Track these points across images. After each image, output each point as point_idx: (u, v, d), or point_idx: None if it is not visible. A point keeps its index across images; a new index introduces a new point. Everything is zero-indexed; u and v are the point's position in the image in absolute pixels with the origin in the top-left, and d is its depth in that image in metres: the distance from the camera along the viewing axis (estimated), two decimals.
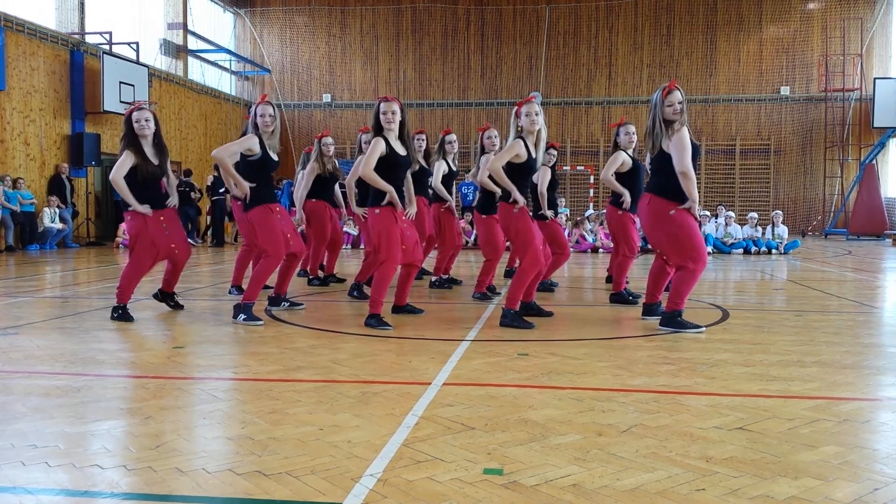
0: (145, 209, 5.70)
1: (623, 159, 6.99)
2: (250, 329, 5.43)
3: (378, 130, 5.47)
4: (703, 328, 5.31)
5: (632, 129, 7.09)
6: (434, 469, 2.54)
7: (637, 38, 23.88)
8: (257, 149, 5.66)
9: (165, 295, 6.31)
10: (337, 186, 8.19)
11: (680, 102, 5.18)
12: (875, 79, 22.17)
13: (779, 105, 23.48)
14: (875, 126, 21.92)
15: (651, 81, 23.76)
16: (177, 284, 6.36)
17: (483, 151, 7.33)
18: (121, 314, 5.74)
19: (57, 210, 15.04)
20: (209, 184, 17.81)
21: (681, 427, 3.03)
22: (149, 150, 5.75)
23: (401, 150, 5.54)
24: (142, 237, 5.76)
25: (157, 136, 5.81)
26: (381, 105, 5.47)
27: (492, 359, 4.36)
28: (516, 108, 5.53)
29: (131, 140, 5.70)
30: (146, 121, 5.71)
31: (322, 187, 7.94)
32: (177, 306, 6.32)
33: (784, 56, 23.39)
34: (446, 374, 3.96)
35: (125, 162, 5.67)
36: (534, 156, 5.54)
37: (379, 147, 5.40)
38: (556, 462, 2.62)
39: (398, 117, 5.47)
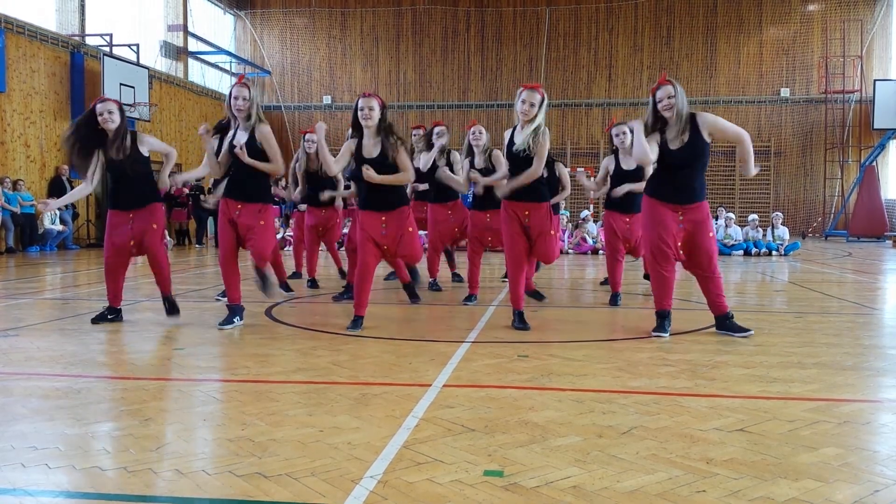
0: (52, 201, 5.73)
1: (605, 165, 7.17)
2: (250, 331, 5.42)
3: (356, 127, 5.40)
4: (667, 336, 5.18)
5: (624, 128, 6.97)
6: (434, 471, 2.54)
7: (637, 40, 23.90)
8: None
9: (164, 298, 5.94)
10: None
11: (671, 97, 4.96)
12: (875, 80, 22.18)
13: (779, 107, 23.49)
14: (875, 128, 21.92)
15: (651, 83, 23.65)
16: (172, 285, 6.08)
17: (469, 148, 7.12)
18: (109, 318, 5.69)
19: (57, 212, 15.04)
20: (211, 186, 17.81)
21: (681, 429, 3.03)
22: (114, 144, 5.48)
23: (369, 153, 5.36)
24: (106, 235, 5.67)
25: (120, 130, 5.49)
26: (360, 101, 5.33)
27: (492, 360, 4.36)
28: (521, 88, 5.40)
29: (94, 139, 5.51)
30: (109, 113, 5.44)
31: (311, 188, 7.83)
32: (171, 308, 5.81)
33: (784, 58, 23.41)
34: (446, 375, 3.96)
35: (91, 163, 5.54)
36: (515, 142, 5.36)
37: (345, 148, 5.44)
38: (557, 464, 2.62)
39: (376, 113, 5.29)
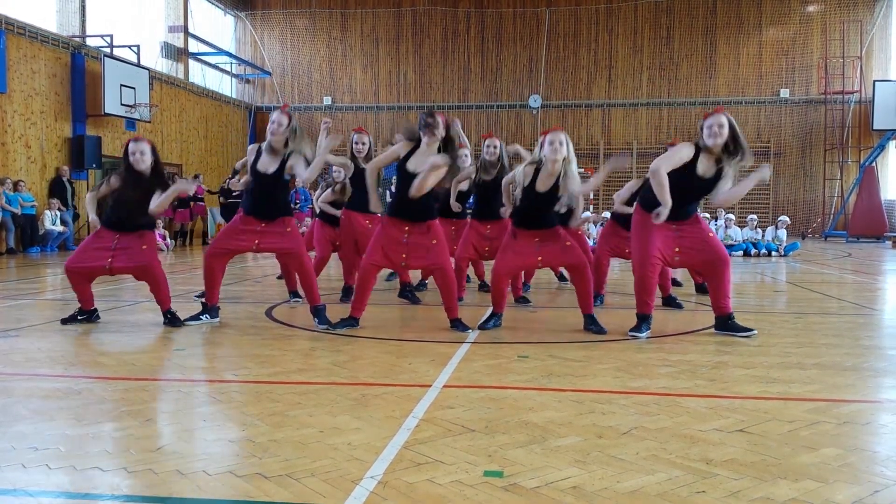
0: (94, 221, 5.56)
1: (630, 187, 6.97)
2: (250, 331, 5.42)
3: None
4: (643, 336, 5.18)
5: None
6: (434, 471, 2.54)
7: (637, 41, 23.90)
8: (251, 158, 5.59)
9: (164, 313, 5.72)
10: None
11: (721, 126, 4.94)
12: (874, 81, 22.18)
13: (778, 107, 23.49)
14: (875, 128, 21.92)
15: (651, 84, 23.79)
16: (171, 298, 5.77)
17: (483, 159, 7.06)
18: (80, 319, 5.64)
19: (58, 212, 15.05)
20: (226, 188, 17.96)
21: (681, 429, 3.03)
22: (135, 179, 5.49)
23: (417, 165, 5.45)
24: (84, 244, 5.60)
25: (156, 167, 5.55)
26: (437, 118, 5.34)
27: (492, 361, 4.36)
28: (542, 136, 5.45)
29: (123, 169, 5.52)
30: (141, 154, 5.47)
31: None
32: (173, 321, 5.65)
33: (784, 58, 23.41)
34: (447, 376, 3.96)
35: (102, 189, 5.56)
36: (536, 184, 5.36)
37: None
38: (557, 464, 2.62)
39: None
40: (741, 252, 14.63)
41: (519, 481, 2.46)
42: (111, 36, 17.59)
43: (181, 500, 2.33)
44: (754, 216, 15.51)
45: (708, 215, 15.27)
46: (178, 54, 21.45)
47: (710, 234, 5.33)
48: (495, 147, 6.88)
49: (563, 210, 5.91)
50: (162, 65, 20.54)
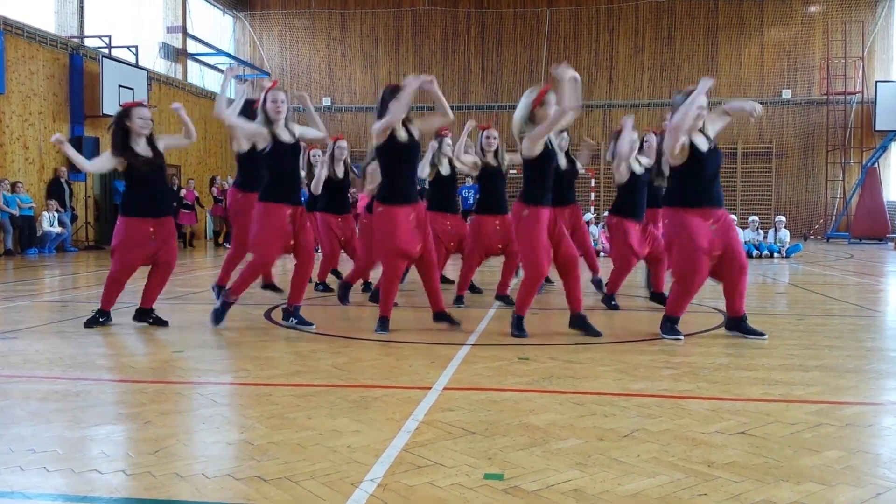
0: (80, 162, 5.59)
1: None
2: (249, 334, 5.40)
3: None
4: (682, 337, 5.14)
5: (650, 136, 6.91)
6: (434, 474, 2.53)
7: (638, 42, 23.90)
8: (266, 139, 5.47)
9: (143, 312, 5.68)
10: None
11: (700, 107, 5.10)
12: (877, 82, 22.17)
13: (780, 108, 23.47)
14: (877, 129, 21.91)
15: (652, 84, 23.79)
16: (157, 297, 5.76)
17: (483, 151, 7.07)
18: (101, 321, 5.59)
19: (56, 214, 15.03)
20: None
21: (682, 431, 3.02)
22: (141, 149, 5.48)
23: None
24: (123, 242, 5.49)
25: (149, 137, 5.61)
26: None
27: (493, 363, 4.35)
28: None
29: (121, 140, 5.45)
30: (150, 120, 5.55)
31: (333, 194, 7.69)
32: (157, 322, 5.66)
33: (785, 59, 23.40)
34: (447, 378, 3.94)
35: (105, 163, 5.59)
36: (550, 147, 5.49)
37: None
38: (558, 467, 2.60)
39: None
40: None
41: (519, 484, 2.45)
42: (109, 37, 17.59)
43: (180, 502, 2.32)
44: (756, 218, 15.49)
45: None
46: (177, 55, 21.45)
47: (735, 234, 5.22)
48: (494, 138, 6.97)
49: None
50: (160, 65, 20.54)
